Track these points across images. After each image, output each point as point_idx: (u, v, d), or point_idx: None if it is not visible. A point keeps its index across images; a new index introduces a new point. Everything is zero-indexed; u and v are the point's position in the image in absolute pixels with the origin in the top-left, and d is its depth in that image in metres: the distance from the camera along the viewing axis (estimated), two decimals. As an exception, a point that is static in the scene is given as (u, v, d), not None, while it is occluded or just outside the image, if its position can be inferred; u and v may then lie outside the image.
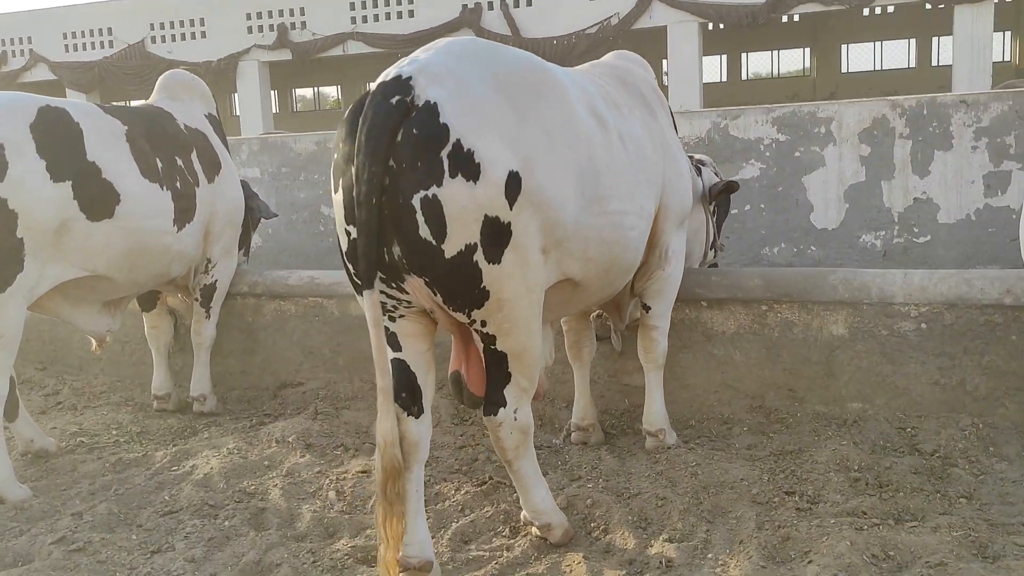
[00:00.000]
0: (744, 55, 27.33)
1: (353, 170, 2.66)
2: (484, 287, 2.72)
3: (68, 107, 3.92)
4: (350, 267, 2.84)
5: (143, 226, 4.18)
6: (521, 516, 3.31)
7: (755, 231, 5.33)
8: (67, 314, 4.31)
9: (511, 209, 2.67)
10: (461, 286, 2.73)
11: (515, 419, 3.01)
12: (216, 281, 4.86)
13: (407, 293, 2.83)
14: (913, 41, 25.87)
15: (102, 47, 25.80)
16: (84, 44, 25.98)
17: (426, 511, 3.56)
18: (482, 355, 2.97)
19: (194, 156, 4.52)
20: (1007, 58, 25.63)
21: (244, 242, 5.38)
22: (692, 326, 4.28)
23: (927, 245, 4.89)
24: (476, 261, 2.67)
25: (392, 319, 2.93)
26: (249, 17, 24.05)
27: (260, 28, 24.00)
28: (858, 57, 26.30)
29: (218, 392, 5.28)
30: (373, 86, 2.72)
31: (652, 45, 22.38)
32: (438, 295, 2.76)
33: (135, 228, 4.10)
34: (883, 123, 4.86)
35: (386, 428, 2.76)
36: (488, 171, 2.62)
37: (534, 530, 3.27)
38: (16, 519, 3.64)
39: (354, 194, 2.62)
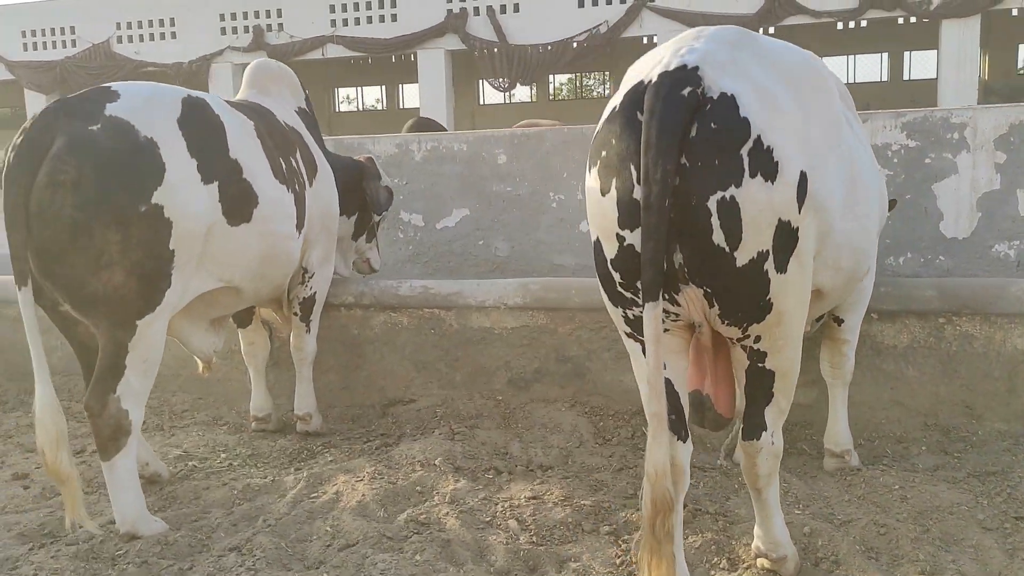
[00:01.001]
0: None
1: (632, 169, 2.41)
2: (769, 299, 2.48)
3: (207, 99, 3.56)
4: (616, 276, 2.57)
5: (275, 231, 3.82)
6: (753, 547, 3.05)
7: (880, 240, 5.16)
8: (184, 333, 3.88)
9: (799, 213, 2.45)
10: (747, 298, 2.48)
11: (772, 443, 2.76)
12: (315, 293, 4.48)
13: (679, 305, 2.57)
14: (886, 55, 26.34)
15: (64, 46, 24.86)
16: (45, 43, 25.00)
17: (622, 544, 3.31)
18: (742, 374, 2.71)
19: (298, 156, 4.16)
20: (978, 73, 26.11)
21: (372, 233, 5.04)
22: (860, 340, 4.07)
23: (1066, 256, 4.76)
24: (766, 270, 2.43)
25: (656, 334, 2.65)
26: (222, 18, 23.40)
27: (234, 29, 23.37)
28: (833, 70, 26.61)
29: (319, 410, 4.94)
30: (652, 77, 2.46)
31: (642, 54, 22.41)
32: (716, 307, 2.51)
33: (268, 233, 3.73)
34: (1021, 129, 4.73)
35: (660, 458, 2.49)
36: (785, 171, 2.39)
37: (762, 562, 3.01)
38: (165, 555, 3.25)
39: (640, 196, 2.36)
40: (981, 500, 3.38)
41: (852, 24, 23.60)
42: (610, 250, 2.55)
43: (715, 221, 2.36)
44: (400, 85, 32.80)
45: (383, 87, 33.18)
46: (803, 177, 2.44)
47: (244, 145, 3.57)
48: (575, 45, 20.22)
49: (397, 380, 4.85)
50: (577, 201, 5.56)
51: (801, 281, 2.55)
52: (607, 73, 29.00)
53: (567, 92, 31.82)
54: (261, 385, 4.70)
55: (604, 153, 2.53)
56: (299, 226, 4.05)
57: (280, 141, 3.99)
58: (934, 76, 26.35)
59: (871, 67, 26.34)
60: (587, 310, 4.45)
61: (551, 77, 29.68)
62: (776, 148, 2.37)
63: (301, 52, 22.72)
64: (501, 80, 21.33)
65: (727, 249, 2.38)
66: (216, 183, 3.36)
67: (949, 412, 3.99)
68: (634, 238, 2.46)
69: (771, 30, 21.99)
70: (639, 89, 2.49)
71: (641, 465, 3.93)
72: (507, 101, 31.72)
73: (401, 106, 33.16)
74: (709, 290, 2.47)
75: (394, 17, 22.02)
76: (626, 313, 2.64)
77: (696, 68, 2.42)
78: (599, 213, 2.56)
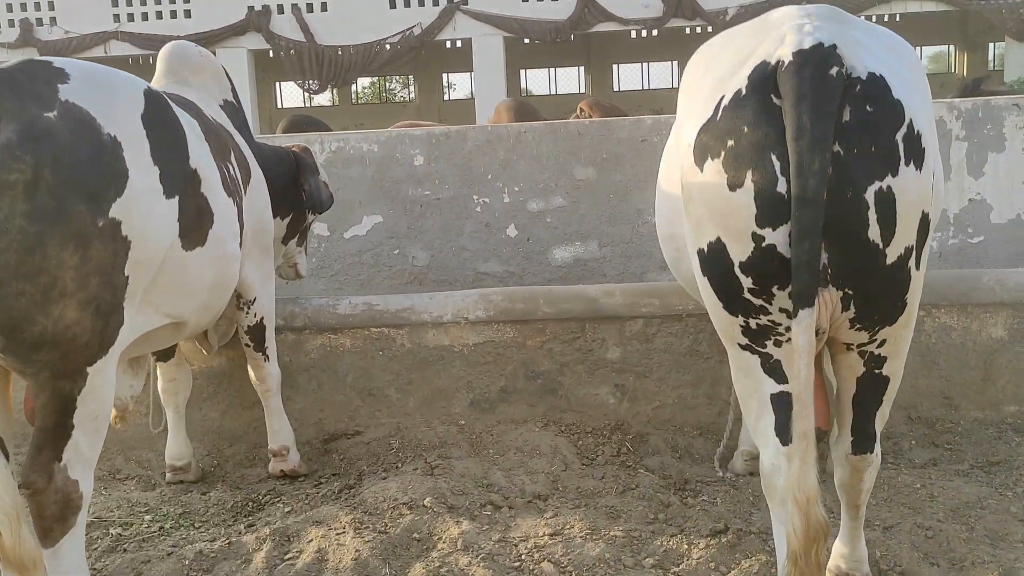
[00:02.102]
0: (523, 72, 27.93)
1: (774, 159, 2.14)
2: (906, 298, 2.30)
3: (162, 92, 2.87)
4: (746, 281, 2.26)
5: (226, 253, 3.15)
6: (832, 566, 2.83)
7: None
8: None
9: (931, 204, 2.28)
10: (888, 298, 2.28)
11: (877, 456, 2.58)
12: (262, 318, 3.81)
13: None
14: (675, 63, 27.78)
15: None
16: None
17: (675, 574, 3.01)
18: (851, 383, 2.49)
19: (232, 160, 3.44)
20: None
21: (303, 235, 4.38)
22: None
23: (980, 245, 4.99)
24: (909, 267, 2.25)
25: (777, 343, 2.36)
26: (-18, 10, 20.78)
27: (-2, 23, 20.81)
28: (628, 77, 27.81)
29: (239, 451, 4.26)
30: (783, 57, 2.18)
31: (457, 58, 22.19)
32: (852, 310, 2.28)
33: (220, 257, 3.06)
34: (940, 125, 4.90)
35: (812, 482, 2.24)
36: (928, 158, 2.22)
37: (842, 584, 2.82)
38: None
39: (793, 189, 2.09)
40: (1004, 492, 3.39)
41: (644, 33, 24.74)
42: (740, 252, 2.24)
43: (872, 215, 2.13)
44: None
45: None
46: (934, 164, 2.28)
47: (199, 151, 2.90)
48: (388, 47, 19.68)
49: (338, 411, 4.27)
50: (503, 204, 5.20)
51: (922, 279, 2.37)
52: (411, 77, 28.59)
53: (370, 95, 31.06)
54: (181, 428, 3.97)
55: (731, 142, 2.21)
56: (241, 244, 3.40)
57: (215, 144, 3.30)
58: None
59: (664, 75, 27.70)
60: (559, 320, 4.11)
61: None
62: (923, 134, 2.18)
63: (79, 50, 20.51)
64: (310, 82, 20.38)
65: (880, 246, 2.16)
66: (177, 197, 2.66)
67: (930, 404, 4.02)
68: (776, 237, 2.17)
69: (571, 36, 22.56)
70: (766, 71, 2.20)
71: (642, 485, 3.68)
72: (306, 104, 30.50)
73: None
74: (850, 292, 2.23)
75: (188, 13, 20.45)
76: (747, 323, 2.34)
77: (834, 46, 2.17)
78: (726, 210, 2.24)
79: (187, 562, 3.14)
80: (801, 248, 2.09)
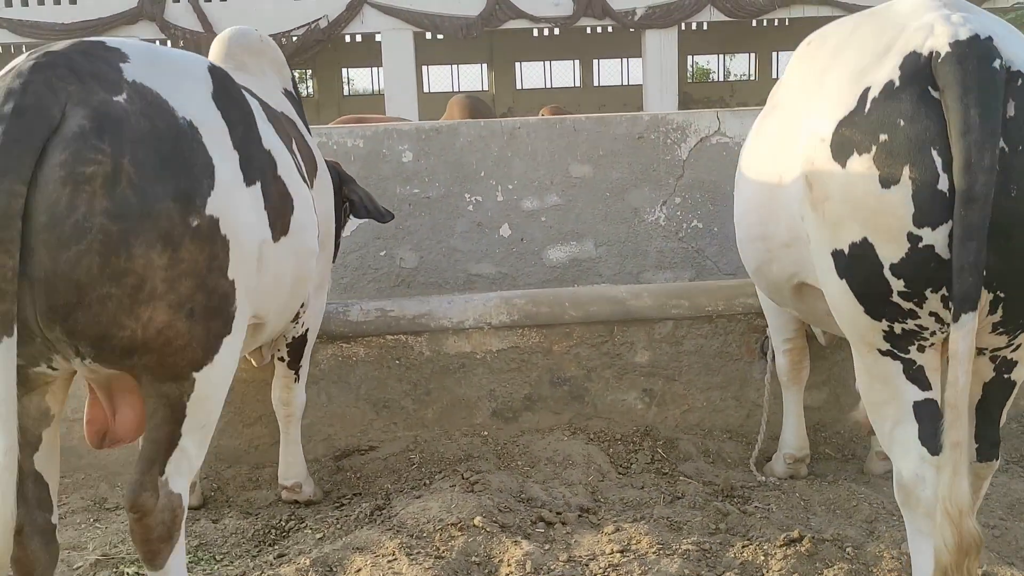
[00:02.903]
0: (425, 68, 27.54)
1: (935, 155, 2.05)
2: None
3: (224, 68, 2.55)
4: (897, 283, 2.16)
5: (307, 245, 2.85)
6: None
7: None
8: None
9: None
10: None
11: (999, 461, 2.53)
12: (307, 330, 3.47)
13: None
14: (577, 62, 28.03)
15: None
16: None
17: (756, 587, 2.90)
18: (979, 387, 2.42)
19: (295, 149, 3.17)
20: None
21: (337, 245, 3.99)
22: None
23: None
24: None
25: (921, 348, 2.27)
26: None
27: None
28: (531, 75, 27.86)
29: (239, 473, 3.91)
30: (937, 47, 2.09)
31: (359, 52, 21.68)
32: (999, 313, 2.20)
33: (301, 248, 2.76)
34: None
35: (965, 492, 2.15)
36: None
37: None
38: None
39: (959, 186, 2.00)
40: (1045, 486, 3.44)
41: (547, 32, 24.83)
42: (892, 252, 2.13)
43: None
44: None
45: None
46: None
47: (267, 131, 2.60)
48: (294, 39, 19.01)
49: (350, 425, 3.98)
50: (496, 203, 4.99)
51: None
52: (309, 71, 27.78)
53: (265, 90, 30.00)
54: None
55: (885, 136, 2.10)
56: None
57: (279, 128, 2.98)
58: (619, 83, 28.69)
59: (566, 74, 27.94)
60: (586, 323, 3.94)
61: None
62: None
63: (-50, 36, 19.07)
64: (209, 75, 19.44)
65: None
66: (259, 184, 2.37)
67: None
68: (935, 237, 2.07)
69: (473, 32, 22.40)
70: (919, 62, 2.10)
71: (688, 493, 3.55)
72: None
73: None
74: (1001, 295, 2.15)
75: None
76: (891, 327, 2.23)
77: (990, 38, 2.09)
78: (877, 209, 2.12)
79: (224, 602, 2.84)
80: (967, 249, 2.00)
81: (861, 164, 2.15)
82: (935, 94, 2.07)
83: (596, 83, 28.30)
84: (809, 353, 3.66)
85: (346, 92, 28.67)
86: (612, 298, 3.96)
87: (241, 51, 3.40)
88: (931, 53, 2.10)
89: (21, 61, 2.00)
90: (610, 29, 21.61)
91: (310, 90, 28.25)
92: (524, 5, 19.26)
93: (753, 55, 27.36)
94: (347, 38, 20.89)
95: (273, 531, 3.42)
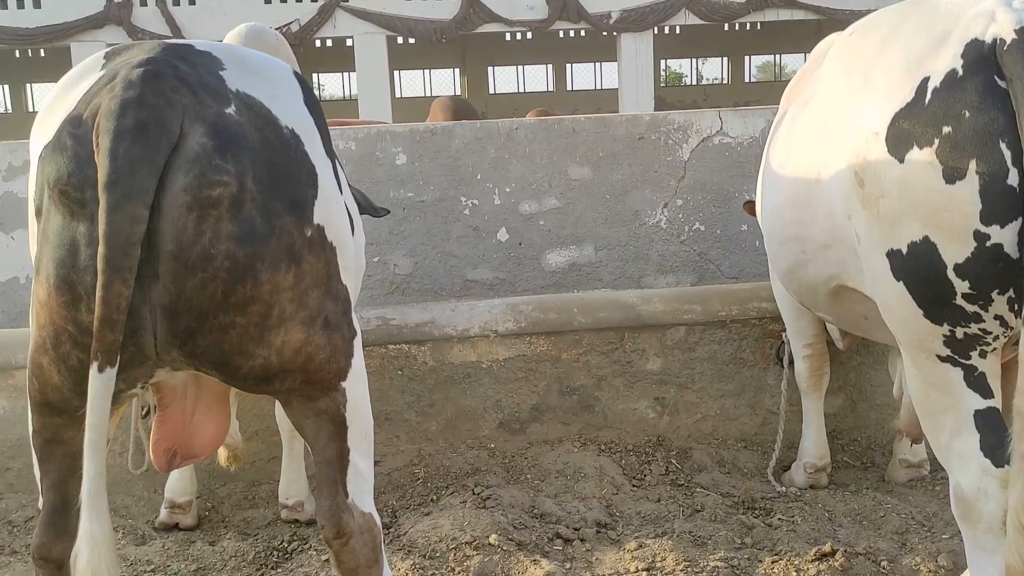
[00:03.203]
0: (397, 72, 27.34)
1: (1004, 148, 1.96)
2: None
3: None
4: (961, 285, 2.04)
5: (362, 243, 2.73)
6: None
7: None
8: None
9: None
10: None
11: None
12: None
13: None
14: (550, 66, 27.97)
15: None
16: None
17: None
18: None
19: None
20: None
21: None
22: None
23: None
24: None
25: (983, 354, 2.15)
26: None
27: None
28: (504, 80, 27.78)
29: (235, 491, 3.72)
30: (1000, 35, 1.98)
31: (330, 57, 21.40)
32: None
33: (360, 250, 2.65)
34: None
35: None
36: None
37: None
38: None
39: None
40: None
41: (519, 36, 24.74)
42: (957, 252, 2.01)
43: None
44: (28, 85, 28.29)
45: (5, 87, 28.34)
46: None
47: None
48: (265, 44, 18.70)
49: (350, 439, 3.79)
50: (494, 206, 4.83)
51: None
52: (279, 76, 27.42)
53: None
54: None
55: (948, 129, 1.98)
56: None
57: None
58: (593, 87, 28.66)
59: (539, 78, 27.89)
60: (596, 330, 3.80)
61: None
62: None
63: (-92, 39, 18.56)
64: (177, 80, 19.11)
65: None
66: (344, 189, 2.28)
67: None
68: (1004, 236, 1.95)
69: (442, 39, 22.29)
70: (983, 49, 1.99)
71: (707, 506, 3.42)
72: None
73: (30, 109, 28.67)
74: None
75: (36, 3, 18.78)
76: (953, 332, 2.11)
77: None
78: (940, 205, 2.00)
79: (232, 632, 2.65)
80: None
81: (922, 158, 2.02)
82: (1001, 83, 1.95)
83: (569, 87, 28.27)
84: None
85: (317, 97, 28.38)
86: (622, 303, 3.83)
87: (259, 50, 3.25)
88: (995, 40, 1.98)
89: (122, 68, 1.82)
90: (583, 33, 21.58)
91: (280, 95, 27.84)
92: (498, 9, 19.15)
93: (726, 59, 27.47)
94: (318, 42, 20.66)
95: (275, 553, 3.23)
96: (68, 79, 2.03)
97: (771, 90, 27.44)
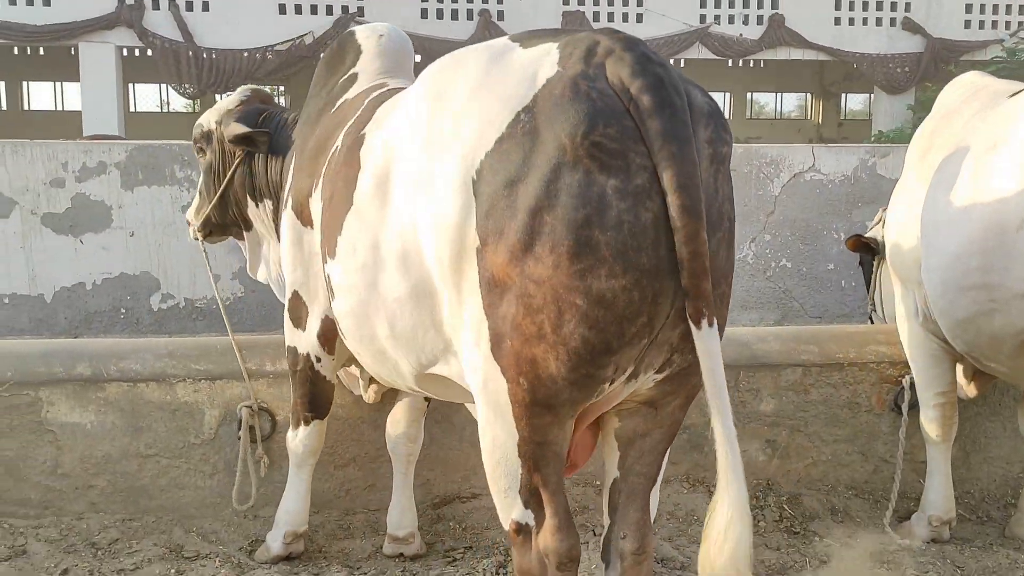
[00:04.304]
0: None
1: None
2: None
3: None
4: None
5: None
6: None
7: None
8: None
9: None
10: None
11: None
12: None
13: None
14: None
15: None
16: None
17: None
18: None
19: None
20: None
21: None
22: (1003, 387, 3.80)
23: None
24: None
25: None
26: None
27: None
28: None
29: (329, 520, 3.54)
30: None
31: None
32: None
33: None
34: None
35: None
36: None
37: None
38: None
39: None
40: None
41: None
42: None
43: None
44: (25, 82, 27.89)
45: (2, 84, 27.89)
46: None
47: None
48: (269, 56, 18.55)
49: (451, 470, 3.64)
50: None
51: None
52: (282, 87, 27.24)
53: (235, 104, 29.33)
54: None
55: None
56: None
57: None
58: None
59: None
60: (710, 368, 3.66)
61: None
62: None
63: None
64: (186, 87, 18.92)
65: None
66: None
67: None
68: None
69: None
70: None
71: (833, 557, 3.29)
72: (163, 110, 28.50)
73: (26, 107, 28.29)
74: None
75: (47, 1, 18.49)
76: None
77: None
78: None
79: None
80: None
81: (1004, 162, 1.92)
82: None
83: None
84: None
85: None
86: (737, 340, 3.70)
87: (395, 51, 3.16)
88: None
89: (624, 52, 1.84)
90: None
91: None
92: (514, 31, 19.08)
93: (728, 94, 27.64)
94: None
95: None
96: None
97: (772, 128, 27.64)
